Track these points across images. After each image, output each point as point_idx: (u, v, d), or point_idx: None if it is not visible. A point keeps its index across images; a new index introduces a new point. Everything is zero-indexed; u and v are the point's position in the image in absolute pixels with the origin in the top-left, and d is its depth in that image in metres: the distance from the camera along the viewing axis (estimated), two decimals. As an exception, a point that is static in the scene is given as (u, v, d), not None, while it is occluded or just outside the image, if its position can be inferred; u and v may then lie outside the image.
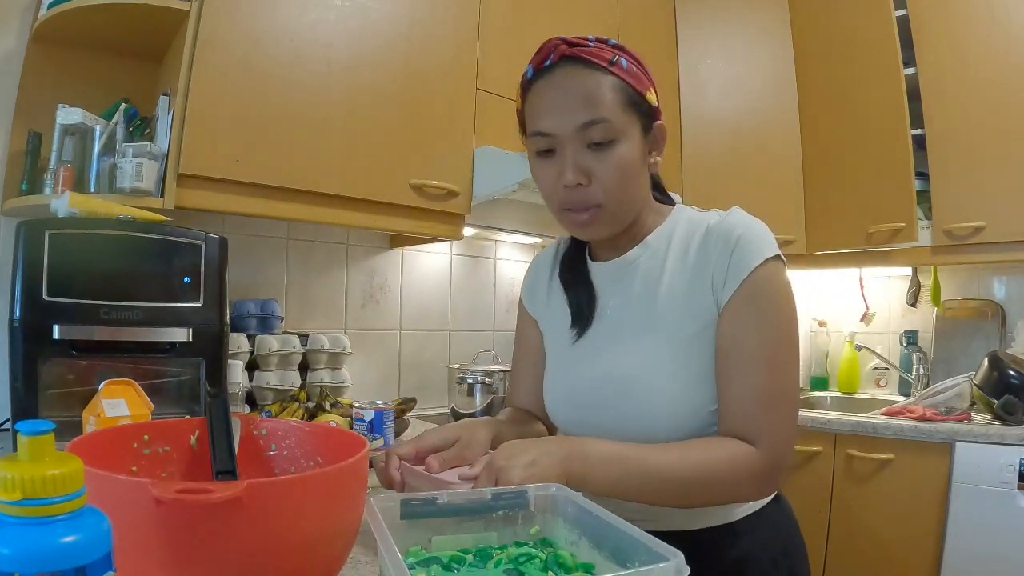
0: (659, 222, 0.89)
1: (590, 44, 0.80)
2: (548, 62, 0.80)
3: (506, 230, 2.14)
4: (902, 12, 2.18)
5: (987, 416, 1.88)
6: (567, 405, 0.92)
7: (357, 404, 1.35)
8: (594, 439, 0.75)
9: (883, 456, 1.90)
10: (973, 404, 1.96)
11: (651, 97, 0.83)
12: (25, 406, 1.10)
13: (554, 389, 0.94)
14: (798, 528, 0.93)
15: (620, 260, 0.89)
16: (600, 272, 0.91)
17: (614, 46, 0.82)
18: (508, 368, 1.90)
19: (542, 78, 0.81)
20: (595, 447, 0.73)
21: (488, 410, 1.86)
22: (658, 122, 0.85)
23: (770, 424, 0.75)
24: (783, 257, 0.81)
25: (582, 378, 0.89)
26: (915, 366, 2.35)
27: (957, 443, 1.78)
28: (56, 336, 1.09)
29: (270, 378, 1.59)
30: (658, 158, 0.86)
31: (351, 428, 1.31)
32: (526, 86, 0.84)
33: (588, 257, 0.94)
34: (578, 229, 0.85)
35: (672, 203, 0.93)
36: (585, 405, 0.88)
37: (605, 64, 0.79)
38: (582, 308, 0.91)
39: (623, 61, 0.80)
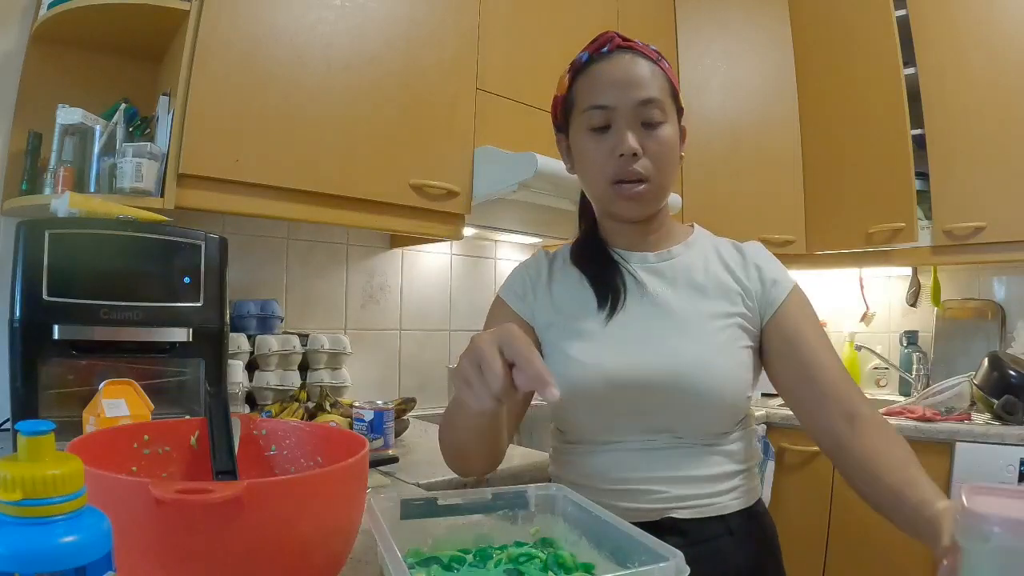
0: (686, 233, 0.98)
1: (638, 43, 0.90)
2: (606, 48, 0.89)
3: (506, 230, 2.14)
4: (902, 12, 2.18)
5: (987, 416, 1.88)
6: (606, 396, 0.86)
7: (357, 404, 1.35)
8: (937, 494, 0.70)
9: (883, 456, 1.90)
10: (973, 404, 1.96)
11: (680, 97, 0.93)
12: (25, 406, 1.10)
13: (587, 384, 0.87)
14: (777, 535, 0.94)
15: (663, 253, 0.95)
16: (643, 261, 0.94)
17: (654, 50, 0.92)
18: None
19: (601, 61, 0.89)
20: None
21: (488, 410, 1.86)
22: (682, 123, 0.94)
23: (859, 392, 0.84)
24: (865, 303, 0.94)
25: (637, 358, 0.85)
26: (915, 366, 2.35)
27: (957, 443, 1.78)
28: (56, 336, 1.09)
29: (270, 378, 1.59)
30: (682, 154, 0.94)
31: (351, 428, 1.31)
32: (579, 68, 0.91)
33: (611, 248, 0.97)
34: (625, 203, 0.89)
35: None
36: (638, 393, 0.85)
37: (655, 58, 0.89)
38: (615, 289, 0.91)
39: (664, 62, 0.91)
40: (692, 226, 1.01)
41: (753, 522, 0.88)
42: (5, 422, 1.23)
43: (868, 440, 0.77)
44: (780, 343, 0.88)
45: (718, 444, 0.87)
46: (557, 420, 0.97)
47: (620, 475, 0.86)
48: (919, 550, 2.00)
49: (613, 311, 0.90)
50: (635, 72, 0.86)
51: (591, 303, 0.92)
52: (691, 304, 0.89)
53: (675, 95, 0.91)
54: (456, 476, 1.26)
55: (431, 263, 2.14)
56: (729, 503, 0.86)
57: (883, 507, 0.74)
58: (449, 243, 2.16)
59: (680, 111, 0.93)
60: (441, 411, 2.07)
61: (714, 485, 0.86)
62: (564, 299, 0.95)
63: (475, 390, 0.59)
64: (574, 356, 0.88)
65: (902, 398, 2.29)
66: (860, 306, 2.64)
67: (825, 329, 2.62)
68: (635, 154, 0.86)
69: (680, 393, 0.84)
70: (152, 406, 0.95)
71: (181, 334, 1.21)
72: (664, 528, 0.83)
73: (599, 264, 0.95)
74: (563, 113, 0.96)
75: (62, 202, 1.16)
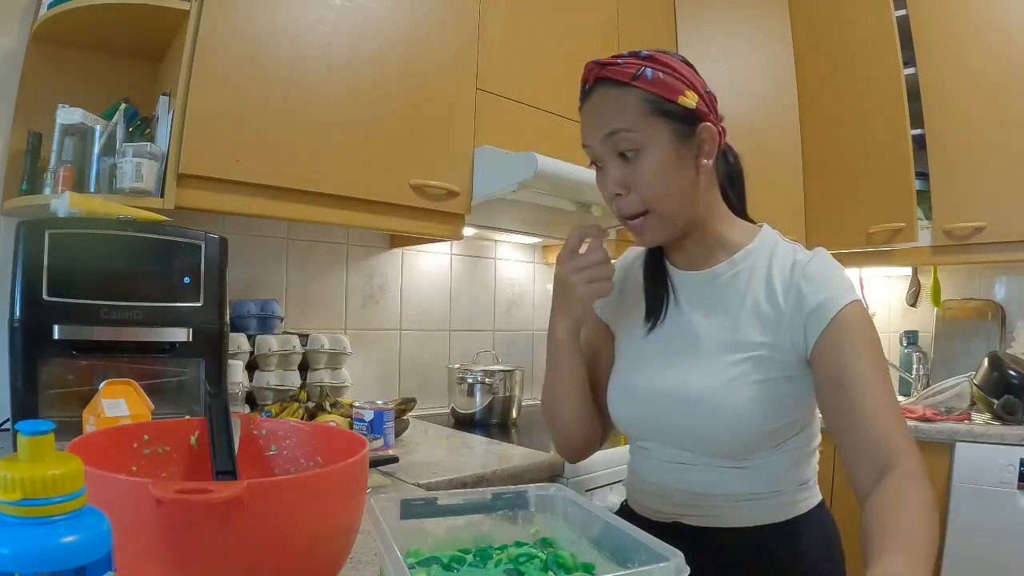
0: (745, 240, 0.92)
1: (619, 62, 0.85)
2: (587, 86, 0.88)
3: (506, 230, 2.14)
4: (902, 12, 2.18)
5: (987, 416, 1.88)
6: (631, 408, 0.94)
7: (357, 404, 1.35)
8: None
9: (883, 456, 1.90)
10: (973, 404, 1.96)
11: (686, 100, 0.84)
12: (25, 406, 1.10)
13: (623, 388, 0.95)
14: (839, 536, 0.95)
15: (706, 272, 0.91)
16: (684, 281, 0.94)
17: (644, 57, 0.85)
18: (508, 368, 1.91)
19: (584, 101, 0.89)
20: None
21: (488, 410, 1.86)
22: (703, 124, 0.85)
23: (904, 430, 0.76)
24: (861, 301, 0.84)
25: (651, 385, 0.91)
26: (915, 366, 2.35)
27: (957, 443, 1.78)
28: (56, 336, 1.09)
29: (270, 378, 1.59)
30: (706, 161, 0.86)
31: (351, 428, 1.31)
32: (580, 110, 0.92)
33: (668, 262, 0.97)
34: (636, 236, 0.89)
35: (759, 224, 0.97)
36: (650, 412, 0.91)
37: (628, 80, 0.84)
38: (657, 305, 0.94)
39: (648, 72, 0.84)
40: (760, 229, 0.95)
41: (785, 538, 0.87)
42: (5, 422, 1.23)
43: (881, 498, 0.70)
44: (822, 380, 0.82)
45: (736, 467, 0.87)
46: None
47: (643, 477, 0.95)
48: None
49: (652, 327, 0.94)
50: (602, 106, 0.86)
51: (643, 312, 0.96)
52: (715, 331, 0.88)
53: (667, 108, 0.83)
54: (456, 476, 1.26)
55: (431, 263, 2.14)
56: (741, 516, 0.87)
57: None
58: (449, 243, 2.16)
59: (686, 118, 0.84)
60: (441, 411, 2.08)
61: (727, 500, 0.87)
62: (626, 305, 1.00)
63: (597, 281, 0.88)
64: (616, 382, 0.96)
65: (902, 398, 2.29)
66: (860, 306, 2.64)
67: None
68: (619, 194, 0.86)
69: (686, 420, 0.87)
70: (152, 406, 0.95)
71: (181, 334, 1.21)
72: (674, 531, 0.86)
73: (651, 276, 0.96)
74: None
75: (62, 202, 1.16)
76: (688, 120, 0.85)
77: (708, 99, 0.88)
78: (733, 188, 0.97)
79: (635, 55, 0.86)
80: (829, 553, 0.92)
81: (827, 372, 0.80)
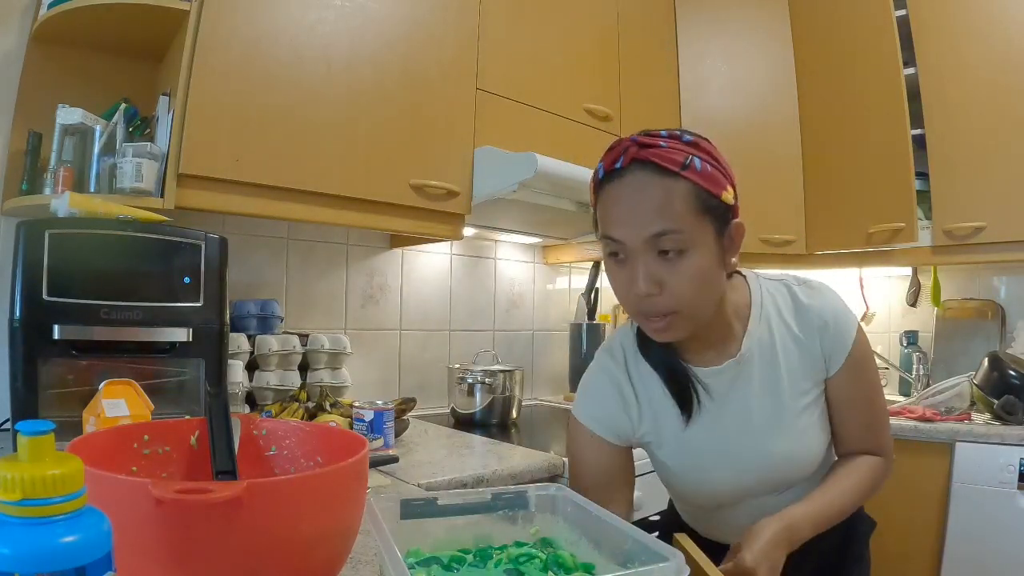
0: (743, 302, 0.91)
1: (662, 145, 0.77)
2: (619, 164, 0.78)
3: (506, 230, 2.14)
4: (902, 12, 2.18)
5: (987, 416, 1.88)
6: (713, 498, 0.96)
7: (357, 404, 1.35)
8: (793, 513, 0.82)
9: (883, 456, 1.90)
10: (973, 404, 1.96)
11: (727, 196, 0.79)
12: (25, 406, 1.10)
13: (694, 493, 0.97)
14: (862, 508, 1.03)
15: (736, 360, 0.88)
16: (716, 374, 0.89)
17: (688, 143, 0.78)
18: (508, 368, 1.91)
19: (613, 180, 0.79)
20: (800, 522, 0.82)
21: (488, 410, 1.86)
22: (736, 220, 0.81)
23: (879, 439, 0.94)
24: (855, 314, 0.92)
25: (729, 477, 0.92)
26: (915, 366, 2.35)
27: (957, 443, 1.78)
28: (56, 336, 1.09)
29: (270, 378, 1.59)
30: (734, 260, 0.83)
31: (351, 428, 1.31)
32: (598, 186, 0.82)
33: (683, 361, 0.91)
34: (655, 334, 0.83)
35: (738, 271, 0.93)
36: (733, 493, 0.94)
37: (677, 169, 0.76)
38: (689, 398, 0.89)
39: (696, 162, 0.76)
40: (745, 281, 0.92)
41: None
42: (5, 422, 1.23)
43: (850, 460, 0.94)
44: (834, 399, 0.92)
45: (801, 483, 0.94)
46: None
47: (695, 515, 1.05)
48: (919, 550, 1.99)
49: (690, 416, 0.90)
50: (645, 200, 0.76)
51: (673, 405, 0.91)
52: (766, 401, 0.89)
53: (712, 204, 0.77)
54: (456, 476, 1.26)
55: (431, 263, 2.14)
56: None
57: None
58: (449, 243, 2.16)
59: (724, 216, 0.79)
60: (441, 411, 2.08)
61: None
62: (652, 408, 0.93)
63: None
64: (671, 465, 0.95)
65: (902, 398, 2.29)
66: (860, 306, 2.64)
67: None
68: (652, 294, 0.78)
69: (769, 484, 0.92)
70: (152, 406, 0.95)
71: (181, 334, 1.21)
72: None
73: (671, 379, 0.90)
74: (594, 221, 0.86)
75: (62, 202, 1.16)
76: (726, 217, 0.80)
77: (736, 191, 0.82)
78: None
79: (676, 138, 0.79)
80: (861, 521, 1.03)
81: (840, 394, 0.91)
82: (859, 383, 0.91)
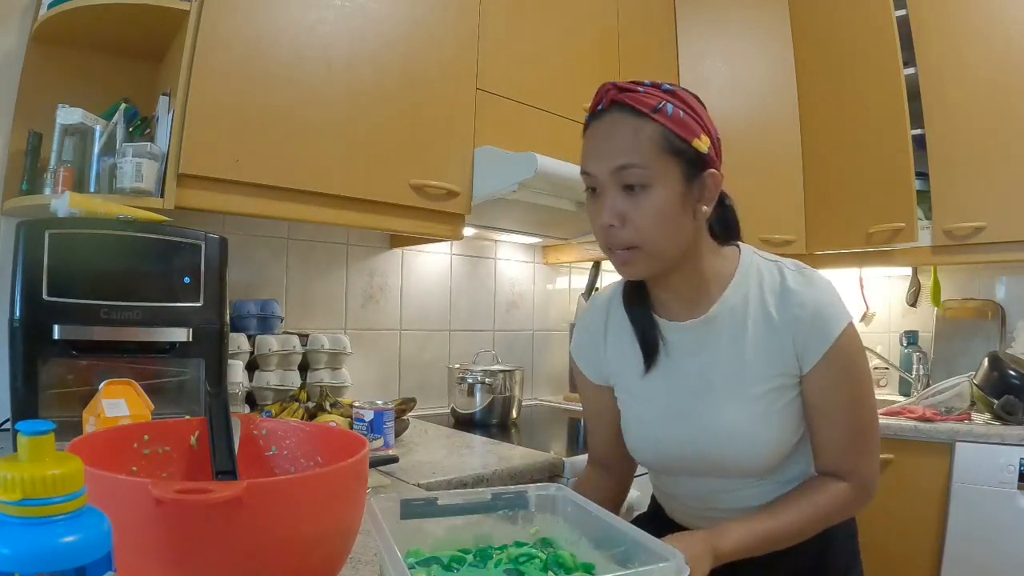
0: (727, 270, 0.91)
1: (640, 90, 0.83)
2: (600, 107, 0.85)
3: (506, 230, 2.14)
4: (902, 12, 2.18)
5: (987, 416, 1.88)
6: (657, 452, 0.96)
7: (357, 404, 1.35)
8: (726, 532, 0.81)
9: (883, 456, 1.90)
10: (973, 404, 1.96)
11: (699, 144, 0.82)
12: (25, 406, 1.10)
13: (640, 442, 0.97)
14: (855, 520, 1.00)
15: (701, 320, 0.90)
16: (680, 330, 0.92)
17: (666, 91, 0.83)
18: (508, 368, 1.91)
19: (593, 122, 0.86)
20: (731, 542, 0.79)
21: (488, 410, 1.86)
22: (710, 171, 0.84)
23: (856, 463, 0.87)
24: (851, 317, 0.87)
25: (675, 430, 0.92)
26: (915, 366, 2.35)
27: (957, 443, 1.78)
28: (56, 336, 1.09)
29: (270, 378, 1.59)
30: (705, 208, 0.85)
31: (351, 428, 1.31)
32: (584, 129, 0.88)
33: (654, 314, 0.94)
34: (619, 267, 0.87)
35: (734, 244, 0.94)
36: (679, 454, 0.92)
37: (648, 110, 0.81)
38: (653, 350, 0.93)
39: (669, 107, 0.81)
40: (739, 253, 0.93)
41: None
42: (5, 422, 1.23)
43: (808, 484, 0.89)
44: (808, 403, 0.88)
45: (762, 479, 0.91)
46: None
47: (670, 504, 1.04)
48: (919, 550, 1.99)
49: (651, 366, 0.93)
50: (615, 135, 0.82)
51: (636, 357, 0.95)
52: (727, 368, 0.88)
53: (681, 148, 0.81)
54: (456, 476, 1.26)
55: (431, 263, 2.14)
56: None
57: None
58: (449, 243, 2.16)
59: (697, 161, 0.83)
60: (441, 411, 2.09)
61: (741, 515, 0.89)
62: (618, 354, 0.99)
63: None
64: (632, 436, 0.98)
65: (902, 398, 2.29)
66: (860, 306, 2.64)
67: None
68: (613, 225, 0.83)
69: (718, 454, 0.89)
70: (152, 406, 0.95)
71: (181, 334, 1.21)
72: None
73: (639, 315, 0.94)
74: None
75: (62, 202, 1.16)
76: (697, 164, 0.83)
77: (717, 145, 0.86)
78: (725, 228, 0.94)
79: (656, 86, 0.84)
80: (852, 531, 0.98)
81: (814, 399, 0.87)
82: (837, 390, 0.85)
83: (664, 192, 0.81)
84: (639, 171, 0.81)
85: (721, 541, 0.78)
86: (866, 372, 0.88)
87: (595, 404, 1.05)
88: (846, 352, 0.85)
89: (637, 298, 0.95)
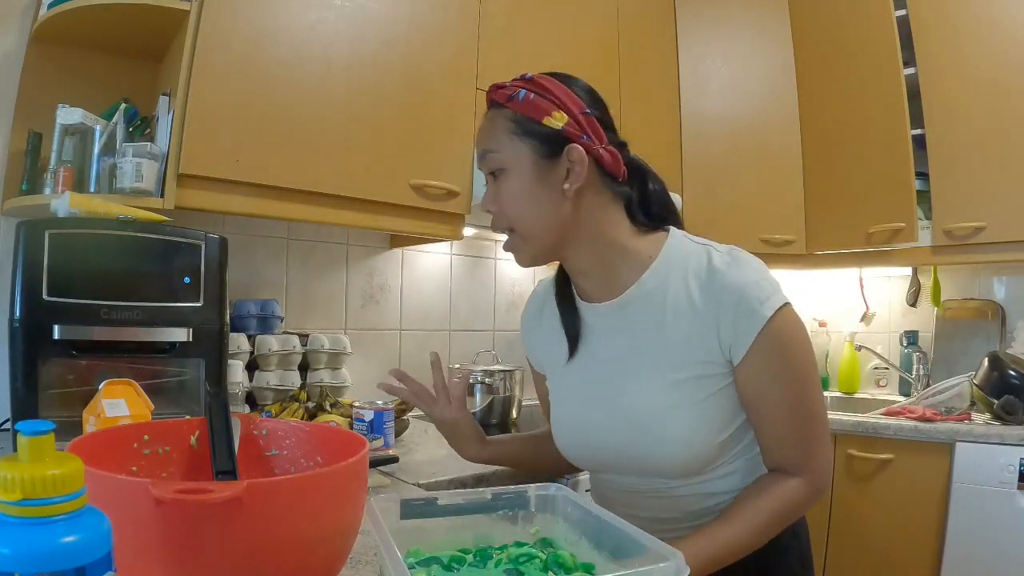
0: (648, 253, 0.87)
1: (506, 85, 0.88)
2: (489, 109, 0.91)
3: (506, 230, 2.14)
4: (902, 12, 2.18)
5: (987, 416, 1.88)
6: (577, 444, 0.94)
7: (357, 404, 1.35)
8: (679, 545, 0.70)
9: (883, 456, 1.90)
10: (973, 404, 1.96)
11: (551, 121, 0.82)
12: (25, 406, 1.10)
13: (562, 432, 0.96)
14: (807, 527, 0.95)
15: (617, 302, 0.87)
16: (596, 312, 0.91)
17: (526, 80, 0.87)
18: (508, 368, 1.91)
19: None
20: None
21: (488, 410, 1.86)
22: (570, 145, 0.82)
23: (806, 458, 0.82)
24: (788, 301, 0.80)
25: (591, 418, 0.90)
26: (915, 366, 2.35)
27: (957, 443, 1.78)
28: (56, 336, 1.09)
29: (270, 378, 1.59)
30: (566, 185, 0.83)
31: (351, 428, 1.31)
32: None
33: (578, 296, 0.94)
34: (508, 251, 0.91)
35: (665, 228, 0.90)
36: (596, 444, 0.90)
37: (503, 101, 0.86)
38: (574, 337, 0.94)
39: (521, 93, 0.85)
40: (667, 237, 0.88)
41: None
42: (5, 422, 1.23)
43: (756, 484, 0.83)
44: (743, 399, 0.83)
45: (690, 483, 0.86)
46: None
47: (607, 496, 0.96)
48: (919, 550, 1.99)
49: (573, 350, 0.93)
50: (481, 129, 0.89)
51: (563, 337, 0.95)
52: (644, 356, 0.85)
53: (531, 128, 0.82)
54: (456, 476, 1.26)
55: (431, 263, 2.14)
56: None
57: None
58: (449, 243, 2.16)
59: (552, 138, 0.82)
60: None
61: (689, 518, 0.86)
62: (548, 341, 0.99)
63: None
64: (554, 420, 0.97)
65: (902, 398, 2.29)
66: (860, 306, 2.64)
67: (825, 329, 2.67)
68: (491, 211, 0.89)
69: (632, 447, 0.85)
70: (152, 406, 0.95)
71: (181, 334, 1.21)
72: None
73: (563, 310, 0.95)
74: None
75: (62, 202, 1.16)
76: (554, 142, 0.82)
77: (585, 120, 0.83)
78: (646, 212, 0.90)
79: (520, 78, 0.88)
80: (801, 544, 0.93)
81: (751, 390, 0.81)
82: (775, 381, 0.79)
83: (517, 175, 0.84)
84: (494, 156, 0.86)
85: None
86: (808, 360, 0.82)
87: (540, 389, 1.07)
88: (781, 339, 0.78)
89: (564, 283, 0.96)
